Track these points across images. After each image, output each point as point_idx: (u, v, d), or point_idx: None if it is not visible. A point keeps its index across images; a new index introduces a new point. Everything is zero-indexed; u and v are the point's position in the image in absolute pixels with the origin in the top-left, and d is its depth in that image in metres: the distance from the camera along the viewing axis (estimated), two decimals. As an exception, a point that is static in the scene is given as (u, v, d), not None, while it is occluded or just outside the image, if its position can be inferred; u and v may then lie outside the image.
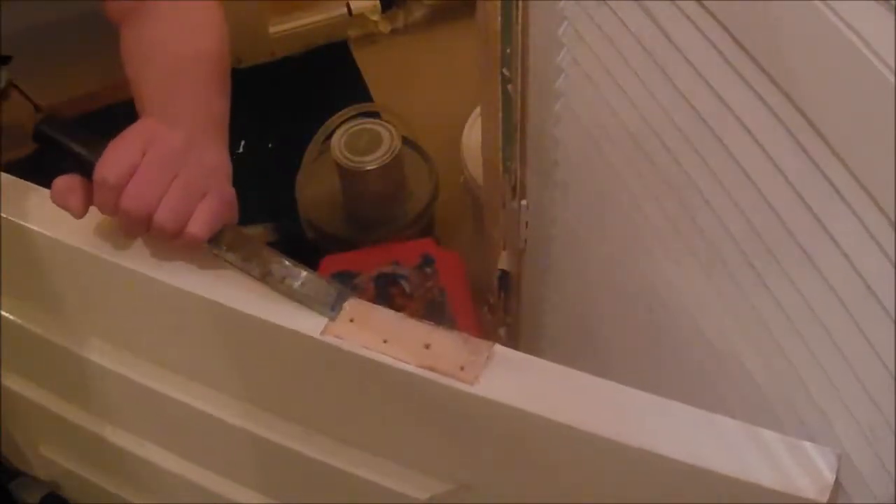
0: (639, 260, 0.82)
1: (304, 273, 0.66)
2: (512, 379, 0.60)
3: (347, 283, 1.32)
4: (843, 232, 0.51)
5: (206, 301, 0.67)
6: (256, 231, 1.59)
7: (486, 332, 1.27)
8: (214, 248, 0.67)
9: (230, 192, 0.69)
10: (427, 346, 0.62)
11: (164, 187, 0.64)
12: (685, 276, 0.73)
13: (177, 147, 0.65)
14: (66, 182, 0.66)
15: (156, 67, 0.77)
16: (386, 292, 1.32)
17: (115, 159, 0.64)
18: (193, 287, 0.68)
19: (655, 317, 0.82)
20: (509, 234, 1.06)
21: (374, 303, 1.08)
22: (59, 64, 1.25)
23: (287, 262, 0.66)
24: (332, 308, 0.65)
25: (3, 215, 0.73)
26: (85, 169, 0.65)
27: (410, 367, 0.62)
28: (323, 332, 0.64)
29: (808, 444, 0.55)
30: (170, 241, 0.66)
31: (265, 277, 0.66)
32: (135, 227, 0.65)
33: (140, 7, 0.80)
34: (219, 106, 0.77)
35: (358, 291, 1.30)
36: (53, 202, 0.67)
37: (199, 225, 0.65)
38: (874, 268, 0.49)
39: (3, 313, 0.85)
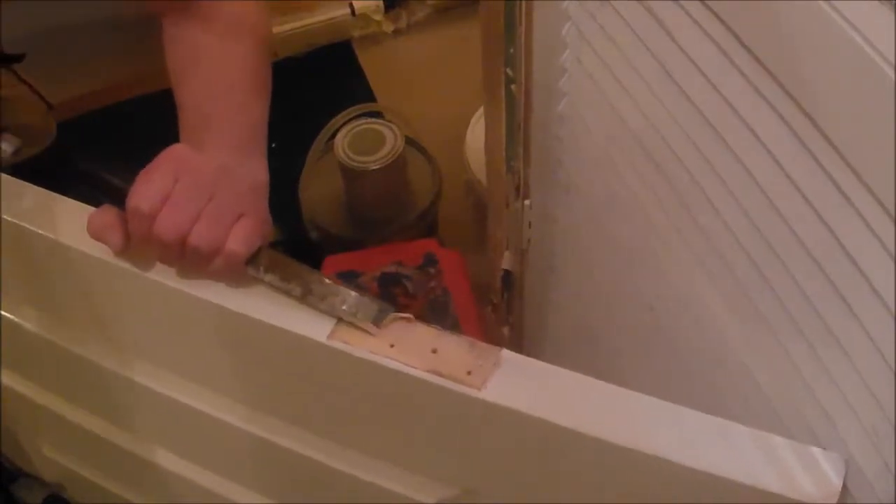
0: (641, 260, 0.82)
1: (343, 291, 0.65)
2: (519, 384, 0.60)
3: (350, 283, 1.32)
4: (847, 232, 0.51)
5: (211, 305, 0.67)
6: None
7: (490, 332, 1.27)
8: (252, 269, 0.66)
9: (265, 211, 0.69)
10: (434, 351, 0.62)
11: (197, 211, 0.63)
12: (687, 276, 0.73)
13: (209, 173, 0.65)
14: (103, 218, 0.67)
15: (197, 73, 0.77)
16: (389, 292, 1.32)
17: (147, 188, 0.64)
18: (198, 291, 0.68)
19: (657, 317, 0.82)
20: (512, 234, 1.06)
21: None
22: (67, 62, 1.24)
23: (327, 281, 0.65)
24: (374, 323, 0.64)
25: (4, 216, 0.73)
26: (114, 195, 0.65)
27: (417, 372, 0.62)
28: (330, 337, 0.64)
29: (815, 450, 0.55)
30: (208, 265, 0.65)
31: (305, 297, 0.65)
32: (170, 252, 0.65)
33: (184, 4, 0.79)
34: (258, 109, 0.77)
35: (362, 291, 1.30)
36: (91, 236, 0.67)
37: (238, 242, 0.64)
38: (878, 268, 0.49)
39: (4, 314, 0.85)
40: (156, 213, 0.63)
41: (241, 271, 0.66)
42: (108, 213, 0.67)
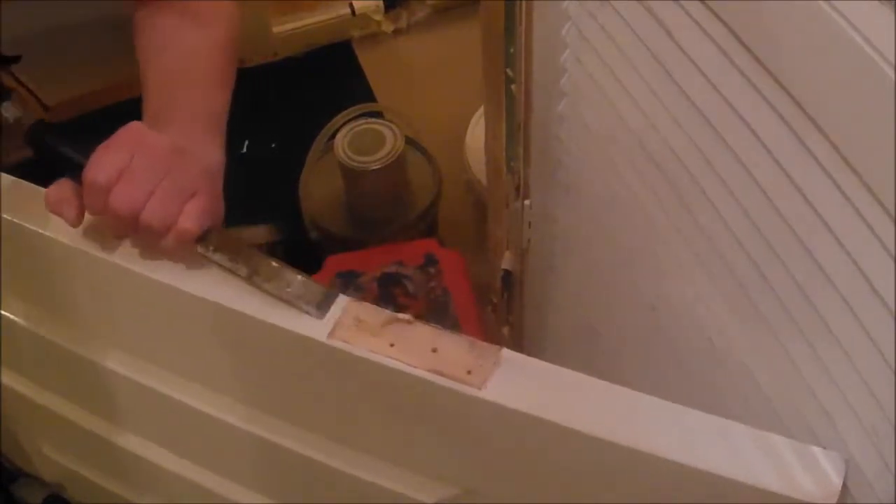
0: (641, 260, 0.82)
1: (290, 274, 0.66)
2: (520, 383, 0.60)
3: (351, 282, 1.32)
4: (846, 232, 0.51)
5: (210, 304, 0.67)
6: (260, 231, 1.59)
7: (490, 332, 1.27)
8: (201, 248, 0.67)
9: (218, 193, 0.71)
10: (434, 350, 0.62)
11: (151, 187, 0.65)
12: (687, 276, 0.73)
13: (165, 150, 0.67)
14: (59, 191, 0.68)
15: (161, 59, 0.79)
16: (389, 292, 1.32)
17: (103, 162, 0.65)
18: (197, 290, 0.68)
19: (658, 317, 0.82)
20: (513, 234, 1.06)
21: (378, 303, 1.07)
22: (64, 62, 1.25)
23: (274, 264, 0.67)
24: (318, 308, 0.65)
25: (4, 216, 0.73)
26: (78, 173, 0.66)
27: (417, 372, 0.61)
28: (329, 336, 0.64)
29: (815, 449, 0.55)
30: (159, 241, 0.67)
31: (251, 278, 0.66)
32: (123, 226, 0.66)
33: (156, 3, 0.81)
34: (219, 99, 0.79)
35: (361, 292, 1.30)
36: (48, 211, 0.68)
37: (190, 220, 0.66)
38: (878, 268, 0.49)
39: (4, 313, 0.85)
40: (111, 185, 0.64)
41: (190, 249, 0.68)
42: (64, 187, 0.68)
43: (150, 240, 0.67)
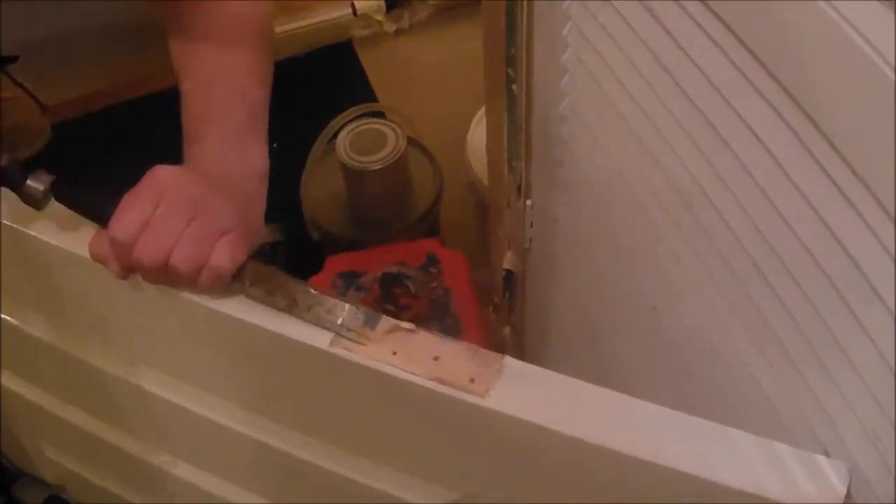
0: (642, 260, 0.82)
1: (330, 300, 0.65)
2: (522, 391, 0.60)
3: (352, 283, 1.32)
4: (846, 232, 0.51)
5: (214, 312, 0.67)
6: (261, 231, 1.59)
7: (491, 333, 1.27)
8: (238, 283, 0.66)
9: (255, 222, 0.70)
10: (436, 358, 0.62)
11: (176, 236, 0.63)
12: (688, 276, 0.73)
13: (192, 194, 0.65)
14: (99, 246, 0.67)
15: (199, 63, 0.78)
16: (391, 292, 1.32)
17: (126, 217, 0.64)
18: (200, 298, 0.68)
19: (659, 317, 0.82)
20: (514, 233, 1.06)
21: (379, 302, 1.07)
22: (64, 62, 1.25)
23: (313, 291, 0.65)
24: (359, 333, 0.64)
25: (4, 221, 0.73)
26: (101, 197, 0.66)
27: (419, 380, 0.61)
28: (332, 345, 0.64)
29: (819, 457, 0.55)
30: (194, 284, 0.65)
31: (291, 309, 0.65)
32: (152, 277, 0.65)
33: (187, 5, 0.80)
34: (258, 95, 0.78)
35: (362, 292, 1.30)
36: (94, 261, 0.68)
37: (223, 258, 0.64)
38: (878, 268, 0.48)
39: (5, 316, 0.85)
40: (133, 241, 0.63)
41: (226, 285, 0.67)
42: (104, 240, 0.67)
43: (184, 286, 0.66)
